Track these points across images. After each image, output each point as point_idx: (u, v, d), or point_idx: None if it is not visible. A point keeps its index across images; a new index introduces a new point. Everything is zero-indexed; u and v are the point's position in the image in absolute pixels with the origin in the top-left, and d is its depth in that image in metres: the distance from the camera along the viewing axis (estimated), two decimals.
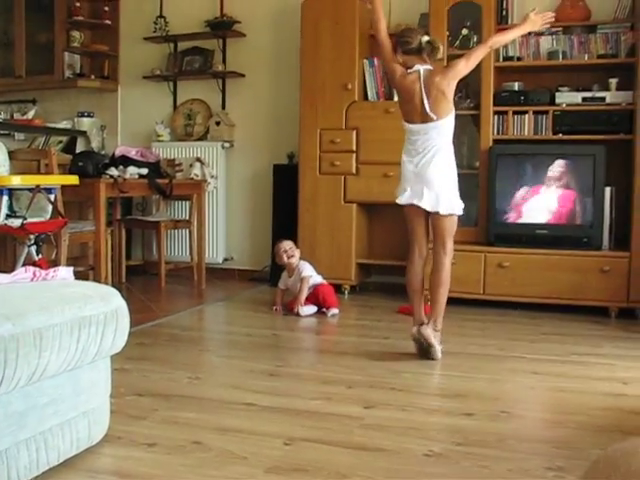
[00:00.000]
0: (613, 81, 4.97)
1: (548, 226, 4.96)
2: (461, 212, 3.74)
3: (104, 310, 2.22)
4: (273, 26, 6.19)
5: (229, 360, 3.70)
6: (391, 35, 5.59)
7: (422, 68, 3.67)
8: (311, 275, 4.87)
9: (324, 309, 4.79)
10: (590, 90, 5.03)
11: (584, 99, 4.98)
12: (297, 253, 4.97)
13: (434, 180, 3.64)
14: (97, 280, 4.74)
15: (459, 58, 3.73)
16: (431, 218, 3.72)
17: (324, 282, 4.93)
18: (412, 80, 3.67)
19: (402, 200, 3.74)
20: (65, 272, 2.51)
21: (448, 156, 3.69)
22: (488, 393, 3.06)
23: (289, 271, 4.96)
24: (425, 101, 3.62)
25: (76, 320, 2.09)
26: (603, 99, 4.94)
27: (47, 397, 2.09)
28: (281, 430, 2.55)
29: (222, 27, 6.22)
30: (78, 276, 2.66)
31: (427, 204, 3.65)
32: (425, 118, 3.65)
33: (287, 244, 4.98)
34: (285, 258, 4.91)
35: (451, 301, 4.91)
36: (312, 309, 4.80)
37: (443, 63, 4.80)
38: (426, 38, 3.72)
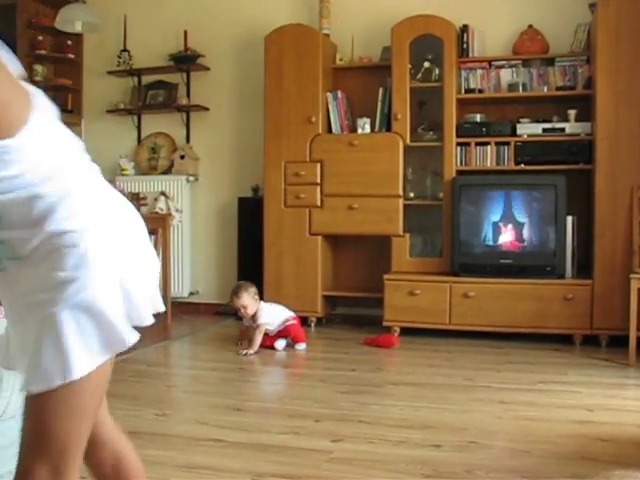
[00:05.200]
0: (572, 112, 5.07)
1: (512, 255, 5.01)
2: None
3: None
4: (237, 60, 6.22)
5: (196, 396, 3.66)
6: (351, 68, 5.72)
7: None
8: (266, 323, 4.70)
9: (291, 343, 4.76)
10: (550, 121, 5.12)
11: (544, 130, 5.07)
12: (254, 303, 4.75)
13: None
14: None
15: None
16: None
17: (293, 319, 4.84)
18: None
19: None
20: None
21: None
22: (456, 424, 3.06)
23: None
24: None
25: None
26: (563, 130, 5.03)
27: (7, 439, 2.03)
28: (249, 466, 2.53)
29: (186, 61, 6.24)
30: None
31: None
32: None
33: (242, 302, 4.71)
34: (241, 312, 4.75)
35: (418, 332, 4.94)
36: (283, 343, 4.73)
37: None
38: None
